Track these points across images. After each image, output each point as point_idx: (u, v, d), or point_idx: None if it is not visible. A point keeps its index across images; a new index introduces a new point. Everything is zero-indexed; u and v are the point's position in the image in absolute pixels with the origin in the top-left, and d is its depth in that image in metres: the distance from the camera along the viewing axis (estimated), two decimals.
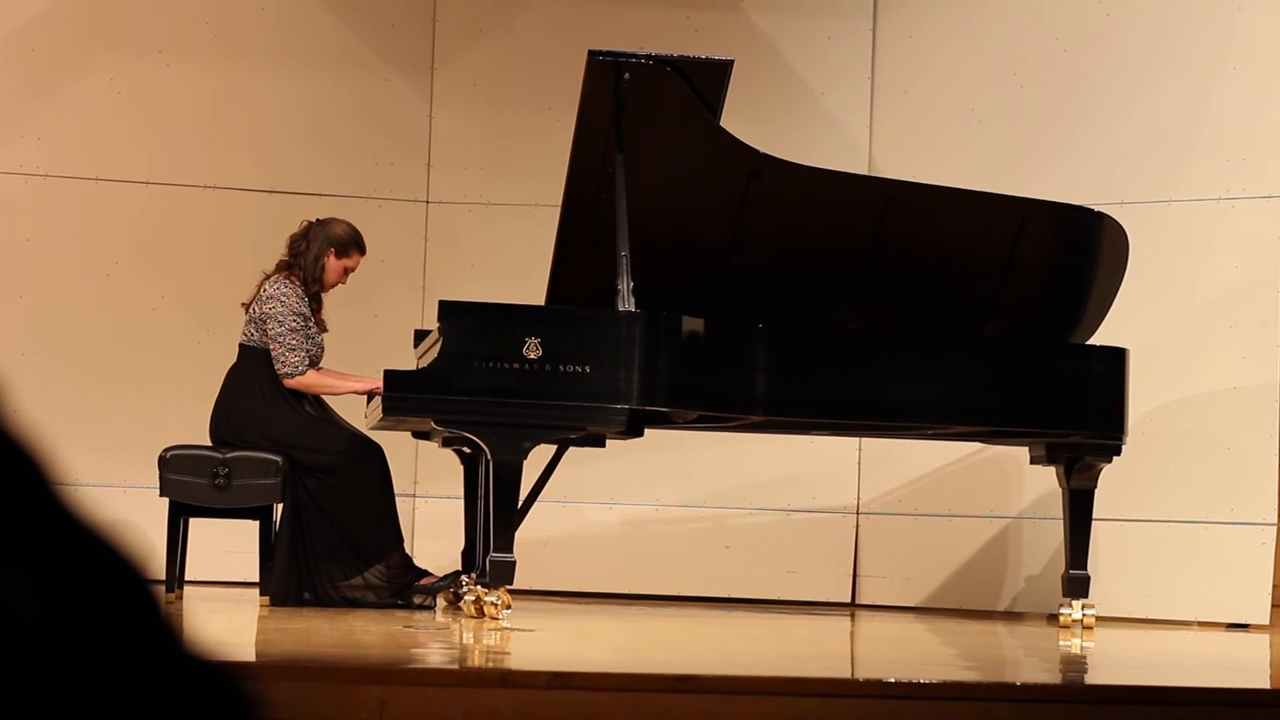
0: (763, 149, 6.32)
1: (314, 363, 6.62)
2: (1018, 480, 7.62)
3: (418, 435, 6.99)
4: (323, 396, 6.76)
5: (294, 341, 6.56)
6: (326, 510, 6.53)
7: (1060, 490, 6.53)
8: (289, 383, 6.58)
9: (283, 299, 6.59)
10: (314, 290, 6.69)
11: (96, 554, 1.02)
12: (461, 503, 6.98)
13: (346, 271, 6.75)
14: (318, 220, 6.76)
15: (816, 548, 7.94)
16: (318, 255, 6.67)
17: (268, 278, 6.69)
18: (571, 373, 5.82)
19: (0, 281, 7.82)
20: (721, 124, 6.22)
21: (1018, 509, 7.70)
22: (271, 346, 6.58)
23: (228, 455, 6.58)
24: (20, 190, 7.84)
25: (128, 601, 1.01)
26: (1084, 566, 6.48)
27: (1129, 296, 6.72)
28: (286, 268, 6.69)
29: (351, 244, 6.73)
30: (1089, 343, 6.60)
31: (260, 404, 6.63)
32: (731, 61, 6.20)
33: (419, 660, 4.62)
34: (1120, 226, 6.60)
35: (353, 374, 6.70)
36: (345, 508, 6.53)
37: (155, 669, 1.01)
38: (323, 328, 6.74)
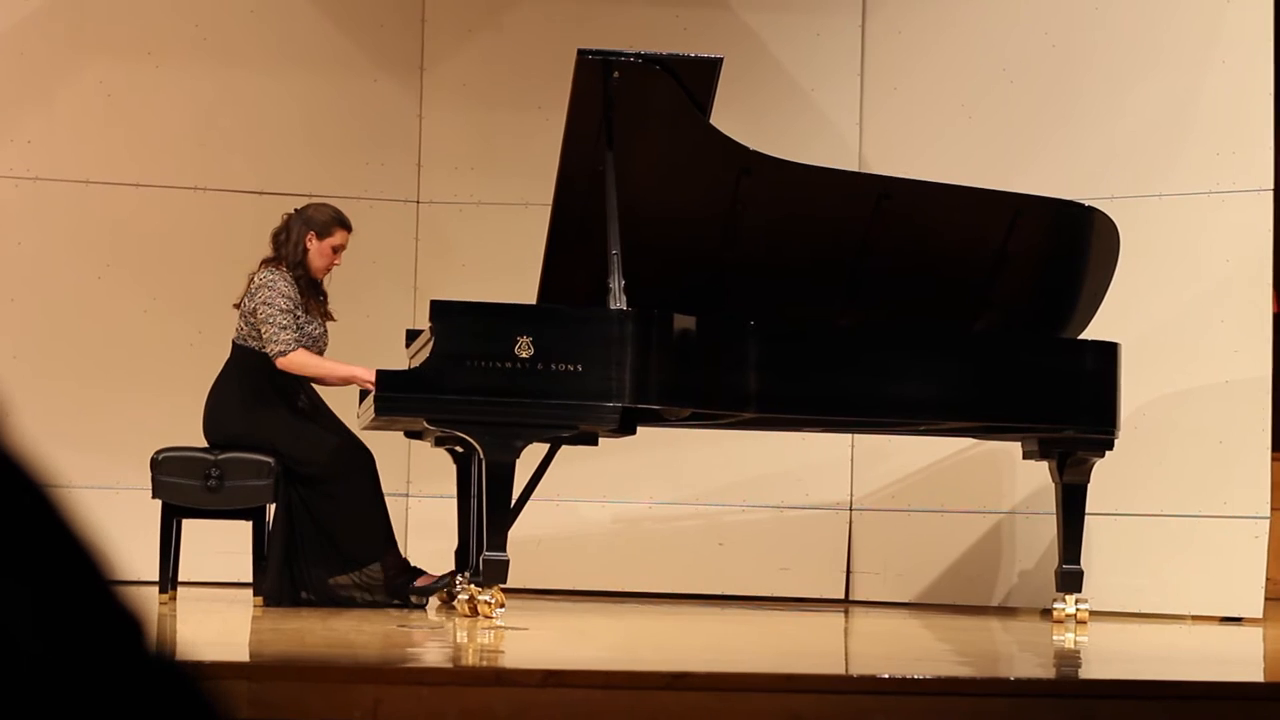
0: (753, 146, 6.32)
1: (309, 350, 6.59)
2: (1010, 475, 7.63)
3: (410, 435, 6.98)
4: (317, 392, 6.74)
5: (284, 321, 6.52)
6: (316, 517, 6.52)
7: (1053, 485, 6.53)
8: (280, 363, 6.52)
9: (271, 284, 6.56)
10: (299, 274, 6.64)
11: (79, 560, 1.02)
12: (454, 502, 6.97)
13: (335, 251, 6.68)
14: (295, 210, 6.73)
15: (810, 544, 7.94)
16: (297, 240, 6.64)
17: (255, 274, 6.68)
18: (563, 371, 5.82)
19: None
20: (711, 122, 6.22)
21: (1010, 504, 7.70)
22: (262, 329, 6.53)
23: (220, 457, 6.57)
24: (11, 194, 7.83)
25: (101, 611, 1.01)
26: (1077, 561, 6.49)
27: (1120, 291, 6.72)
28: (272, 262, 6.67)
29: (332, 222, 6.68)
30: (1081, 337, 6.61)
31: (250, 403, 6.60)
32: (721, 59, 6.20)
33: (413, 659, 4.62)
34: (1111, 221, 6.61)
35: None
36: (335, 516, 6.51)
37: (123, 674, 1.01)
38: (329, 317, 6.71)
